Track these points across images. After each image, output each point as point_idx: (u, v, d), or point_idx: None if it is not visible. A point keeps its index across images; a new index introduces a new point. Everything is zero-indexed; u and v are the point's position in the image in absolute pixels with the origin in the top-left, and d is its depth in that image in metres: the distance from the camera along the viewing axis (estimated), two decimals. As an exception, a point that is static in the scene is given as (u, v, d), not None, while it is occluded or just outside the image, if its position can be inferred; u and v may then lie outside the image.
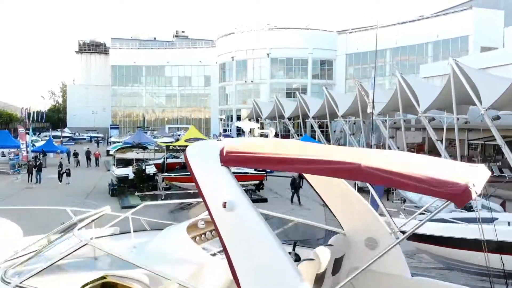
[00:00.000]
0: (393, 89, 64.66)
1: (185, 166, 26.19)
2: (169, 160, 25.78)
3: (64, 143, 70.86)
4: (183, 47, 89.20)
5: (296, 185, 22.99)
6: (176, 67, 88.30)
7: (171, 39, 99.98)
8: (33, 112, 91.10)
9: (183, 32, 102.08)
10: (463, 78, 26.90)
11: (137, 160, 24.98)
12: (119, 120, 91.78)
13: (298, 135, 60.89)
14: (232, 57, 75.35)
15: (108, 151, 42.45)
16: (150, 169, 22.58)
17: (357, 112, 45.23)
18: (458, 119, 28.96)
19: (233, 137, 69.29)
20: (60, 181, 27.47)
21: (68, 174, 27.60)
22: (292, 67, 73.27)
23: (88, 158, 39.17)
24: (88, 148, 40.42)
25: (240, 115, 76.54)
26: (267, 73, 72.60)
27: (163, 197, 21.41)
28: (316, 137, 53.45)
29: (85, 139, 77.23)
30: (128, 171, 22.31)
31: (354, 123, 50.80)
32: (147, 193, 21.73)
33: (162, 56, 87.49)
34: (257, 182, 22.48)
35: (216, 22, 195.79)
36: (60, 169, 27.89)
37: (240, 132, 74.38)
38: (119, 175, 22.46)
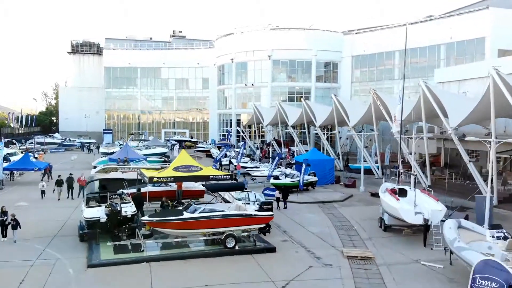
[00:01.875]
0: (402, 94, 62.09)
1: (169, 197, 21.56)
2: (152, 189, 21.00)
3: (52, 150, 66.73)
4: (180, 48, 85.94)
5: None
6: (173, 69, 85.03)
7: (168, 39, 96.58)
8: (21, 116, 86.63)
9: (180, 32, 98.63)
10: (505, 90, 22.78)
11: (115, 190, 20.31)
12: (113, 124, 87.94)
13: (302, 143, 56.89)
14: (232, 59, 71.82)
15: (94, 167, 37.18)
16: (128, 209, 18.05)
17: (370, 121, 41.26)
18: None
19: (232, 144, 65.40)
20: (4, 235, 18.80)
21: (15, 226, 18.37)
22: (294, 70, 69.67)
23: (70, 187, 28.99)
24: (71, 174, 30.10)
25: (240, 120, 73.15)
26: (269, 76, 68.90)
27: (142, 248, 16.85)
28: (324, 149, 48.86)
29: (76, 145, 72.72)
30: (100, 213, 17.60)
31: (361, 131, 46.73)
32: (122, 242, 16.96)
33: (158, 57, 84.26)
34: (263, 225, 17.97)
35: (215, 22, 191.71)
36: (3, 218, 18.82)
37: (239, 138, 70.49)
38: (88, 219, 17.68)
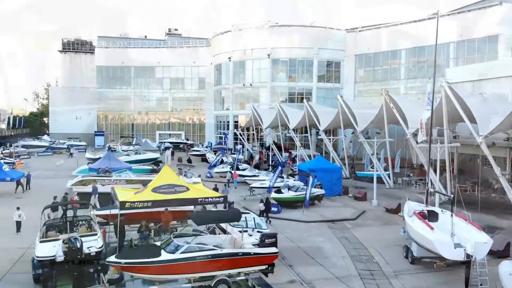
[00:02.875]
0: (409, 94, 58.95)
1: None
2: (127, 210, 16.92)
3: (40, 154, 62.98)
4: (175, 46, 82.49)
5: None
6: (168, 68, 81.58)
7: (163, 37, 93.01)
8: (8, 118, 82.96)
9: (176, 30, 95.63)
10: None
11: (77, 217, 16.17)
12: (106, 125, 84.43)
13: (303, 146, 53.51)
14: (229, 58, 68.54)
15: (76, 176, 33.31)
16: (92, 244, 14.33)
17: (380, 125, 37.80)
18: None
19: (229, 148, 61.96)
20: None
21: None
22: (295, 69, 66.57)
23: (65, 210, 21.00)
24: (66, 194, 24.85)
25: (237, 121, 70.20)
26: (268, 76, 65.69)
27: (108, 300, 13.07)
28: (330, 156, 45.19)
29: (65, 148, 68.87)
30: (56, 249, 13.84)
31: (368, 135, 43.24)
32: (84, 290, 13.20)
33: (153, 56, 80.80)
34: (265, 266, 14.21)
35: (212, 19, 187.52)
36: None
37: (237, 140, 67.13)
38: (41, 258, 13.83)
